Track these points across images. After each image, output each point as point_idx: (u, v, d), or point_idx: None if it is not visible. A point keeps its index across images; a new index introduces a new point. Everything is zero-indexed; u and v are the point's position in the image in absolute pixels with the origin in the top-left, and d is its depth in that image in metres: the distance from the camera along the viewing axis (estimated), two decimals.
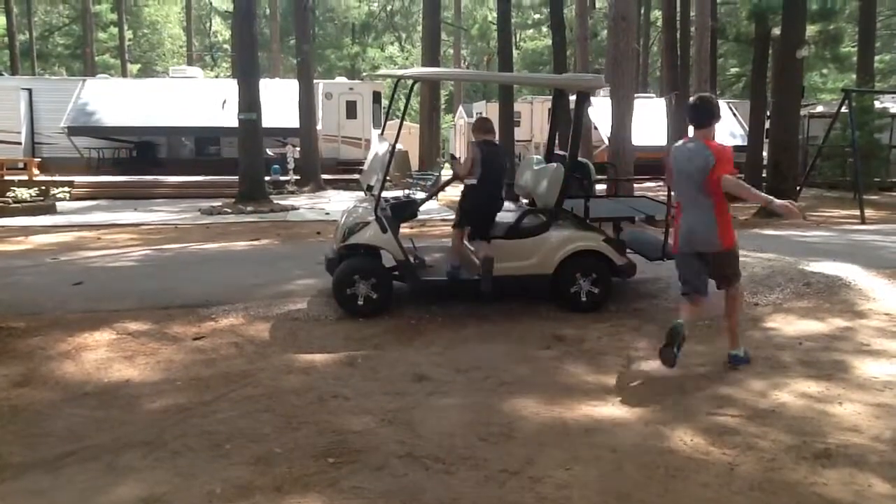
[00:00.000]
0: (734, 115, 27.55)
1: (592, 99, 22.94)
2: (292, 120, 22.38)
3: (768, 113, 18.18)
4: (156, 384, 5.12)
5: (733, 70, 37.46)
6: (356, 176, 25.06)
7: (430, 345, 6.02)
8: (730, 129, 26.57)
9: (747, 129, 22.72)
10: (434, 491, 3.54)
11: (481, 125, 7.14)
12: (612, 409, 4.62)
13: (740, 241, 7.48)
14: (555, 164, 7.39)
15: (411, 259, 6.96)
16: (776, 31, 17.39)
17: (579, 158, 7.43)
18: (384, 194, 7.04)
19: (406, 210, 7.37)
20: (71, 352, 5.73)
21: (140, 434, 4.26)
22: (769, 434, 4.22)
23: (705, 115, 5.37)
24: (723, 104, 26.44)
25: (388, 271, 6.90)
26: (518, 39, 52.10)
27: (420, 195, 20.12)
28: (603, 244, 7.01)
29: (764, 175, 18.18)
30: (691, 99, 5.68)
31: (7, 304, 7.16)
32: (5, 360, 5.55)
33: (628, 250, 7.32)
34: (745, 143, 22.48)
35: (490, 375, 5.27)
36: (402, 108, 7.41)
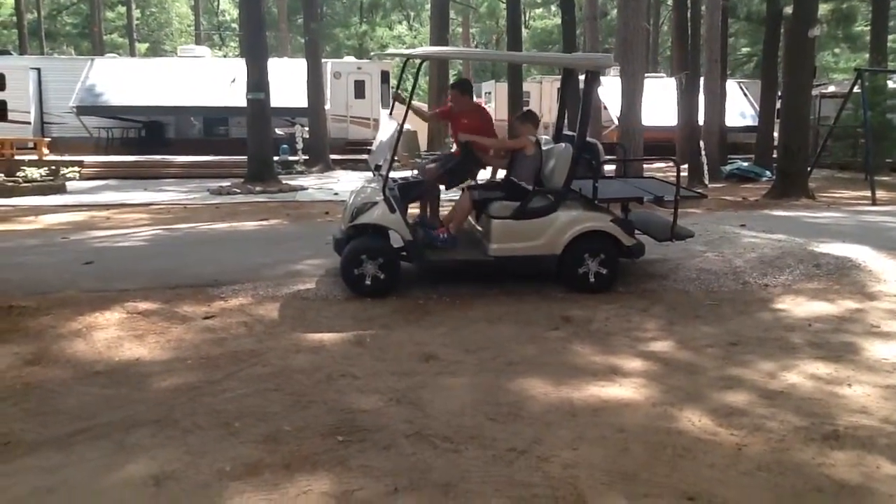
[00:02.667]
0: (745, 94, 27.36)
1: (602, 79, 22.89)
2: (301, 100, 22.31)
3: (780, 93, 18.04)
4: (166, 363, 5.15)
5: (744, 49, 37.16)
6: (365, 156, 25.06)
7: (438, 325, 6.03)
8: (740, 109, 26.39)
9: (758, 109, 22.57)
10: (442, 469, 3.56)
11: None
12: (619, 390, 4.63)
13: (750, 223, 7.41)
14: (563, 145, 7.35)
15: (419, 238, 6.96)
16: (788, 9, 17.20)
17: (588, 139, 7.39)
18: (392, 174, 7.04)
19: (414, 190, 7.37)
20: (82, 330, 5.76)
21: (150, 412, 4.29)
22: (778, 415, 4.22)
23: None
24: (733, 84, 26.40)
25: (395, 251, 6.90)
26: (527, 18, 51.74)
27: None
28: (611, 225, 6.99)
29: (775, 155, 18.07)
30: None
31: (18, 283, 7.21)
32: (17, 338, 5.59)
33: (637, 231, 7.30)
34: (756, 124, 22.37)
35: (498, 355, 5.28)
36: (409, 88, 7.41)
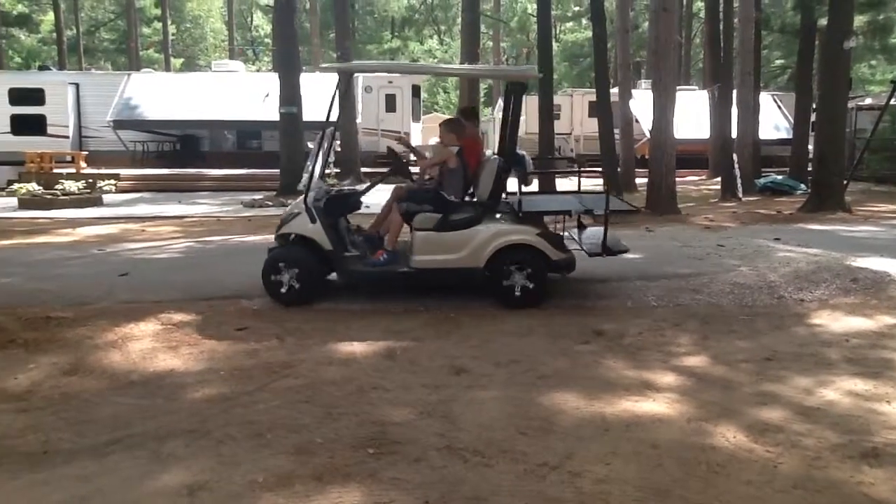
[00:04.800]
0: (779, 107, 27.07)
1: (634, 92, 22.79)
2: (318, 111, 22.49)
3: (814, 105, 17.83)
4: (199, 374, 5.20)
5: (778, 62, 36.80)
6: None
7: (468, 338, 6.03)
8: (774, 122, 26.13)
9: (792, 121, 22.33)
10: (473, 483, 3.55)
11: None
12: (652, 405, 4.58)
13: (785, 236, 7.29)
14: (493, 158, 7.29)
15: (348, 250, 7.01)
16: (822, 21, 17.04)
17: (517, 151, 7.40)
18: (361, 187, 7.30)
19: (345, 202, 7.40)
20: (117, 341, 5.84)
21: (184, 422, 4.33)
22: (814, 432, 4.15)
23: None
24: (767, 96, 26.14)
25: (314, 262, 6.93)
26: (558, 32, 51.75)
27: None
28: (536, 238, 6.83)
29: (809, 168, 17.85)
30: None
31: (56, 294, 7.33)
32: (54, 348, 5.69)
33: (579, 246, 7.24)
34: (790, 136, 22.11)
35: (529, 369, 5.26)
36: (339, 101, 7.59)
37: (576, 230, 7.83)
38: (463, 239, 6.84)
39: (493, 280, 6.87)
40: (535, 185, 7.73)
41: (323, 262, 6.99)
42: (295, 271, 6.86)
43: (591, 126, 23.05)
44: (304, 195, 6.94)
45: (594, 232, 7.59)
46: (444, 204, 7.04)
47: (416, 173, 8.01)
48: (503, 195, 7.09)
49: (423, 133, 28.99)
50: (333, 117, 7.68)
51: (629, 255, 9.12)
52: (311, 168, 7.13)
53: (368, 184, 7.77)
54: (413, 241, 6.94)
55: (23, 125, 23.22)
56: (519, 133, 7.21)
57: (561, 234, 7.39)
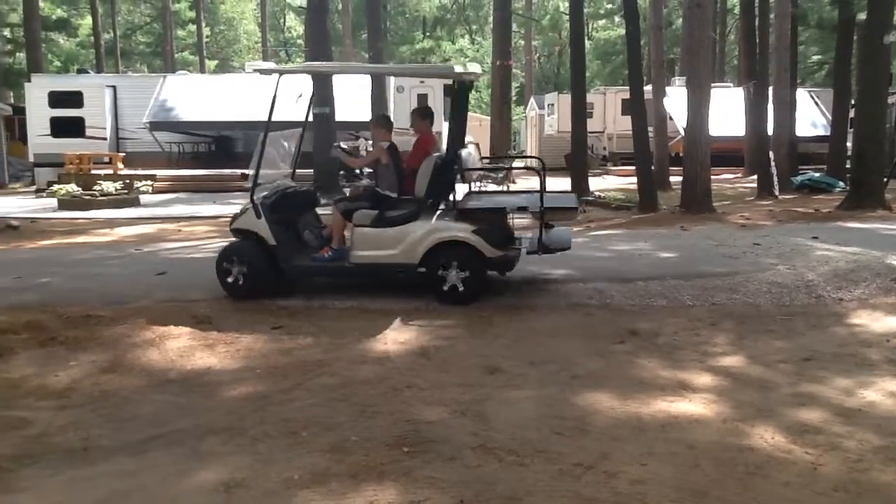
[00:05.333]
0: (816, 103, 26.62)
1: (668, 90, 22.57)
2: (364, 113, 22.58)
3: (853, 101, 17.51)
4: (236, 372, 5.26)
5: (815, 57, 36.22)
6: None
7: (501, 337, 6.02)
8: (811, 119, 25.69)
9: (830, 118, 21.96)
10: (507, 483, 3.54)
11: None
12: (688, 405, 4.54)
13: (823, 235, 7.14)
14: (433, 155, 7.30)
15: (296, 245, 7.28)
16: (861, 15, 16.71)
17: (462, 149, 7.44)
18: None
19: (296, 200, 7.64)
20: (155, 339, 5.92)
21: (221, 420, 4.38)
22: (855, 434, 4.08)
23: None
24: (804, 93, 25.74)
25: (261, 257, 7.11)
26: (590, 29, 51.43)
27: (491, 187, 20.05)
28: (472, 235, 6.85)
29: (848, 166, 17.54)
30: None
31: (95, 293, 7.46)
32: (94, 347, 5.78)
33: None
34: (828, 133, 21.74)
35: (563, 369, 5.24)
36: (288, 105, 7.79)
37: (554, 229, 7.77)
38: (399, 235, 6.95)
39: (429, 276, 6.95)
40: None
41: (271, 258, 7.17)
42: (244, 265, 7.11)
43: (624, 124, 22.88)
44: (250, 193, 7.22)
45: (560, 232, 7.66)
46: (379, 200, 7.16)
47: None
48: (450, 192, 7.13)
49: None
50: (303, 117, 7.85)
51: (664, 254, 9.09)
52: (256, 167, 7.42)
53: (316, 183, 7.95)
54: (352, 238, 7.08)
55: (62, 127, 23.58)
56: (466, 129, 7.37)
57: (513, 232, 7.44)
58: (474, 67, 7.44)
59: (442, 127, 27.03)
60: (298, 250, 7.30)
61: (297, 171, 8.35)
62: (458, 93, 7.17)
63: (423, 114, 7.80)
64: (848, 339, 5.84)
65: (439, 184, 7.03)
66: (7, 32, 38.58)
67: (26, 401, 4.78)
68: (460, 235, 6.88)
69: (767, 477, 3.60)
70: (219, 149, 25.57)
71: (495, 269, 7.12)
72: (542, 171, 7.29)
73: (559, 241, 7.33)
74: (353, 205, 7.22)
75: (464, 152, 7.40)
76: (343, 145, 7.91)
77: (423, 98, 26.22)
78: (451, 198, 7.12)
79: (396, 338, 6.00)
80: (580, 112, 18.13)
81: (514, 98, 33.36)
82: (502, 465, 3.73)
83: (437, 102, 26.16)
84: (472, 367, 5.28)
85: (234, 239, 7.48)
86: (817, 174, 20.03)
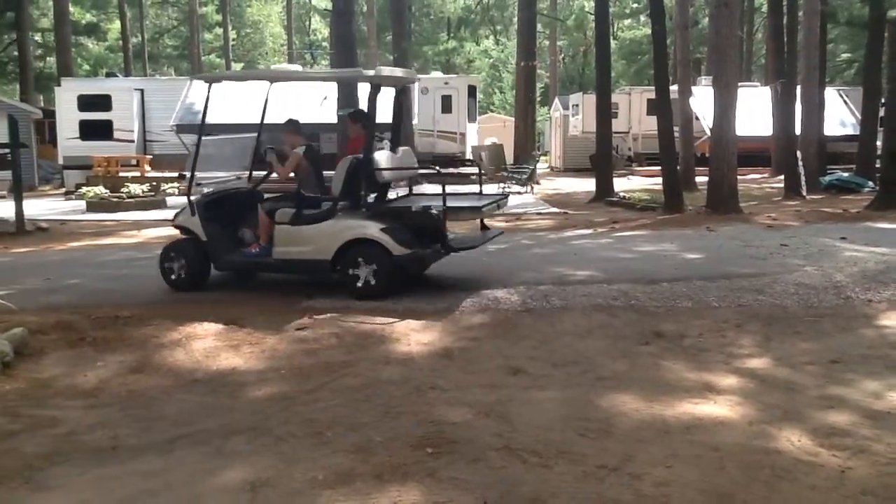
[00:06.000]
0: (845, 102, 26.29)
1: (694, 89, 22.41)
2: (389, 115, 22.66)
3: (883, 100, 17.26)
4: (260, 372, 5.31)
5: (844, 55, 35.79)
6: (451, 170, 25.23)
7: (525, 338, 6.01)
8: (840, 118, 25.39)
9: (859, 117, 21.67)
10: (531, 484, 3.54)
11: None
12: (714, 408, 4.50)
13: (851, 236, 7.03)
14: (349, 157, 7.54)
15: (229, 242, 7.66)
16: (892, 12, 16.49)
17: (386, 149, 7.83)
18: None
19: (233, 200, 7.96)
20: (181, 340, 5.99)
21: (246, 420, 4.42)
22: (884, 437, 4.02)
23: None
24: (833, 92, 25.44)
25: (198, 252, 7.58)
26: (616, 29, 51.19)
27: (515, 188, 19.98)
28: (380, 233, 7.08)
29: (877, 166, 17.29)
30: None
31: (123, 294, 7.57)
32: (121, 347, 5.86)
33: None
34: (857, 133, 21.46)
35: (587, 370, 5.22)
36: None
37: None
38: (314, 233, 7.27)
39: (341, 272, 7.22)
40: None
41: (205, 253, 7.55)
42: (183, 261, 7.60)
43: (650, 124, 22.73)
44: (187, 192, 7.72)
45: (491, 232, 8.15)
46: (300, 200, 7.45)
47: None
48: (363, 192, 7.40)
49: (480, 133, 28.99)
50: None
51: (689, 255, 9.03)
52: (192, 168, 7.93)
53: (254, 183, 8.35)
54: (274, 234, 7.41)
55: (91, 130, 23.89)
56: (401, 132, 8.06)
57: (443, 231, 7.50)
58: (392, 72, 7.89)
59: (466, 129, 27.13)
60: (229, 246, 7.69)
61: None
62: (371, 96, 7.48)
63: (353, 117, 8.16)
64: (877, 341, 5.76)
65: (354, 184, 7.33)
66: (38, 37, 39.20)
67: (56, 400, 4.85)
68: (368, 233, 7.15)
69: (794, 480, 3.56)
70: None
71: (406, 267, 7.30)
72: (480, 175, 8.33)
73: (464, 242, 7.69)
74: (277, 204, 7.58)
75: (378, 154, 7.70)
76: (275, 149, 8.14)
77: (447, 99, 26.27)
78: (368, 197, 7.47)
79: (420, 339, 6.01)
80: (605, 112, 18.06)
81: (538, 99, 33.25)
82: (526, 467, 3.73)
83: (462, 104, 26.22)
84: (495, 368, 5.28)
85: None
86: (846, 174, 19.79)
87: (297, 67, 31.88)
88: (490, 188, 21.28)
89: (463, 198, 8.24)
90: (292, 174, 7.82)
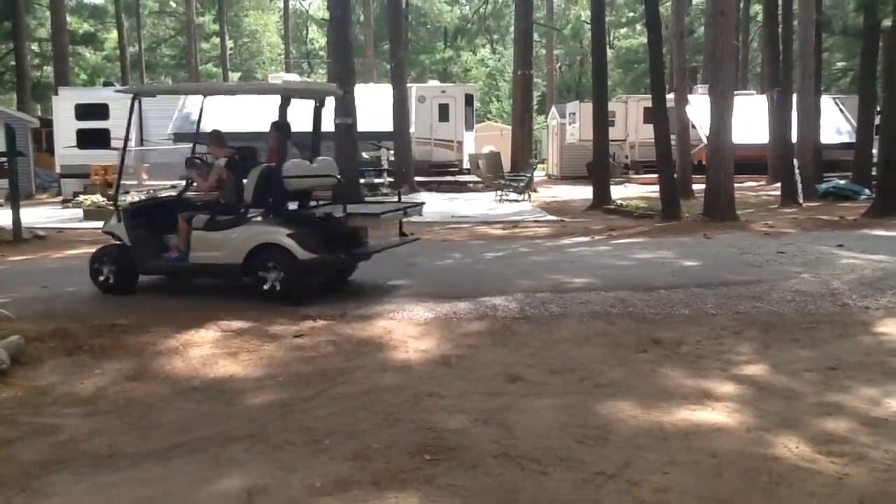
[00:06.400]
0: (841, 110, 26.39)
1: (690, 97, 22.48)
2: (386, 124, 22.69)
3: (878, 108, 17.33)
4: (258, 380, 5.30)
5: (839, 64, 35.93)
6: (448, 178, 25.31)
7: (523, 346, 6.01)
8: (836, 126, 25.47)
9: (855, 125, 21.75)
10: (530, 491, 3.53)
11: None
12: (711, 414, 4.50)
13: (848, 243, 7.03)
14: (261, 166, 7.88)
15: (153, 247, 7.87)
16: (886, 22, 16.56)
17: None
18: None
19: (161, 208, 8.21)
20: (179, 348, 5.98)
21: (244, 427, 4.41)
22: (882, 444, 4.02)
23: None
24: (828, 100, 25.52)
25: (125, 256, 7.81)
26: (612, 38, 51.37)
27: (513, 196, 20.03)
28: (285, 239, 7.26)
29: (874, 173, 17.35)
30: None
31: (119, 302, 7.56)
32: (119, 355, 5.85)
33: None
34: (853, 140, 21.54)
35: (585, 377, 5.22)
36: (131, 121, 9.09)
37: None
38: (226, 238, 7.50)
39: (252, 276, 7.40)
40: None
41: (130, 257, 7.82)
42: (112, 265, 7.82)
43: (646, 132, 22.78)
44: (114, 199, 8.08)
45: (405, 239, 8.45)
46: (215, 208, 7.70)
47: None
48: (274, 199, 7.61)
49: (477, 142, 29.04)
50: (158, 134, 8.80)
51: (687, 262, 9.05)
52: (118, 177, 8.45)
53: (177, 192, 8.61)
54: (190, 240, 7.63)
55: (88, 139, 23.89)
56: (320, 142, 8.74)
57: (361, 238, 8.02)
58: (307, 84, 8.16)
59: (464, 137, 27.19)
60: (153, 252, 7.91)
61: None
62: (282, 107, 7.91)
63: (275, 127, 8.29)
64: (874, 348, 5.77)
65: (264, 190, 7.57)
66: (35, 47, 39.23)
67: (53, 408, 4.84)
68: (274, 238, 7.35)
69: (792, 487, 3.56)
70: (242, 159, 25.75)
71: (312, 271, 7.44)
72: (398, 189, 8.82)
73: (375, 247, 8.14)
74: (195, 212, 7.76)
75: (290, 163, 7.90)
76: (198, 160, 8.31)
77: (444, 108, 26.35)
78: (277, 204, 7.64)
79: (418, 346, 6.01)
80: (602, 120, 18.10)
81: (535, 107, 33.35)
82: (524, 474, 3.72)
83: (458, 112, 26.29)
84: (493, 376, 5.28)
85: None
86: (842, 181, 19.85)
87: (294, 76, 31.92)
88: (487, 196, 21.31)
89: (368, 206, 8.67)
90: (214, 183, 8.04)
